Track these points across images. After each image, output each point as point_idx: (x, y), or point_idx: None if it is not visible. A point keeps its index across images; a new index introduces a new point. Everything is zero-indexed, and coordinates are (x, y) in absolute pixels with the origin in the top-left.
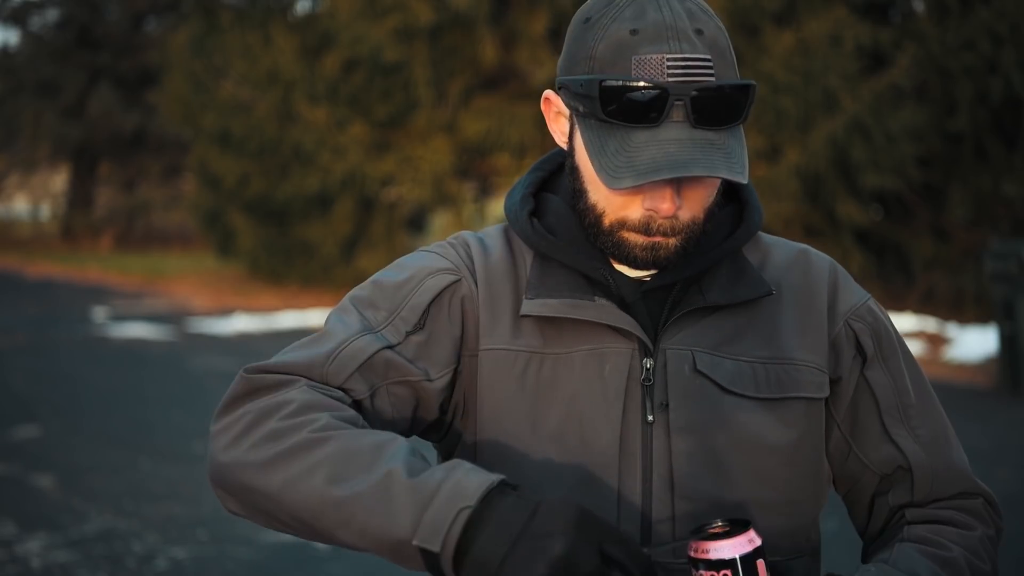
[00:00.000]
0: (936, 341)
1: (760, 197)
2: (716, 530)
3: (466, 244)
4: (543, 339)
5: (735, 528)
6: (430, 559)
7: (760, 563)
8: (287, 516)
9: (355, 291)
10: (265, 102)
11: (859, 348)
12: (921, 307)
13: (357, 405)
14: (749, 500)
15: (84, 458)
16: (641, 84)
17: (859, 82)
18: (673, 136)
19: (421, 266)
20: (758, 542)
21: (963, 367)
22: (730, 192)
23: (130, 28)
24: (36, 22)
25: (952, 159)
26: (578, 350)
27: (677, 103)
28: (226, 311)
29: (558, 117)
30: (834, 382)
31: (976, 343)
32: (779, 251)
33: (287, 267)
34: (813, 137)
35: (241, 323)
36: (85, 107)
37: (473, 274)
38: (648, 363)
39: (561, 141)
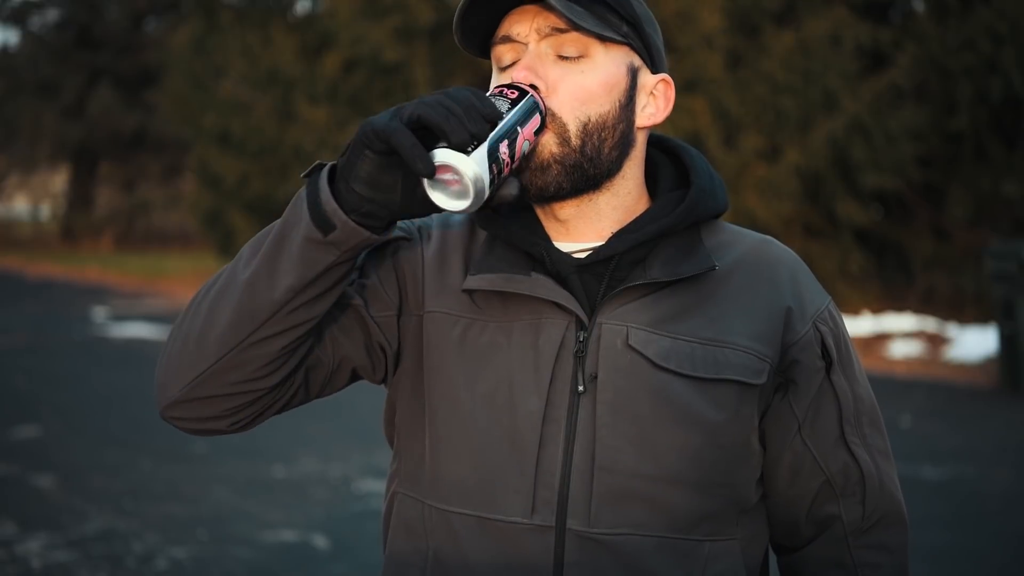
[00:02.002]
0: (936, 341)
1: (760, 197)
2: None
3: (429, 216)
4: (485, 309)
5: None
6: (312, 186)
7: (536, 119)
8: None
9: None
10: (265, 102)
11: (824, 351)
12: (921, 307)
13: None
14: (671, 476)
15: (84, 458)
16: None
17: (859, 82)
18: None
19: None
20: (544, 112)
21: (963, 367)
22: (685, 180)
23: (130, 28)
24: (36, 22)
25: (952, 159)
26: (517, 320)
27: None
28: None
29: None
30: (792, 382)
31: (976, 343)
32: (739, 238)
33: None
34: (813, 137)
35: None
36: (85, 107)
37: (423, 240)
38: (582, 335)
39: None
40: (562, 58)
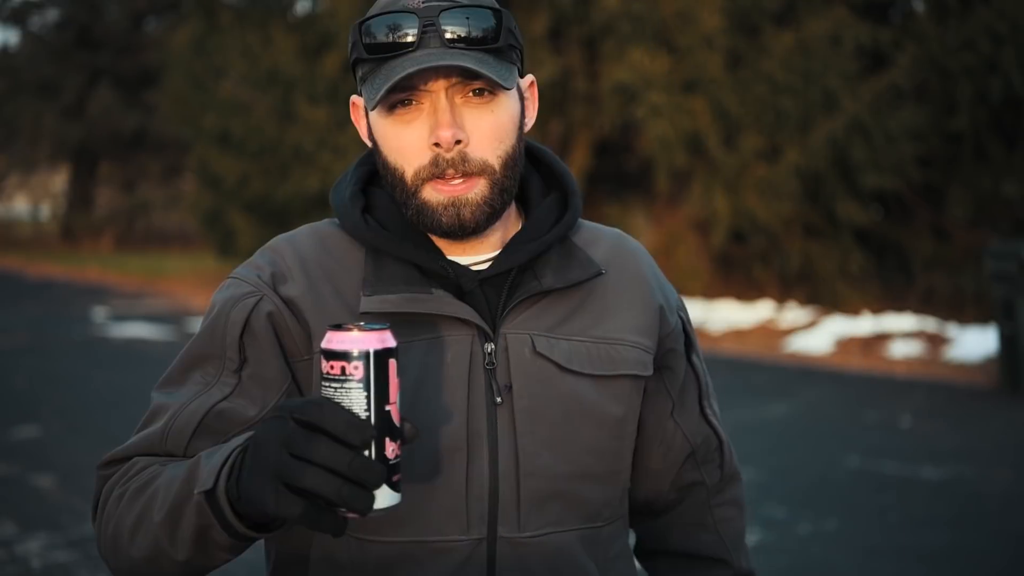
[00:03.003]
0: (936, 341)
1: (760, 197)
2: (351, 327)
3: (276, 252)
4: None
5: (370, 326)
6: (213, 502)
7: (392, 363)
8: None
9: (183, 352)
10: (265, 102)
11: (687, 336)
12: (921, 307)
13: None
14: (582, 472)
15: (84, 458)
16: (392, 10)
17: (859, 82)
18: (427, 53)
19: (225, 299)
20: (392, 344)
21: (963, 367)
22: (553, 183)
23: (130, 28)
24: (36, 22)
25: (952, 159)
26: (419, 339)
27: (428, 28)
28: None
29: (360, 117)
30: (668, 368)
31: (976, 343)
32: (599, 235)
33: None
34: (813, 137)
35: None
36: (85, 107)
37: (277, 287)
38: (489, 348)
39: (365, 137)
40: (471, 97)
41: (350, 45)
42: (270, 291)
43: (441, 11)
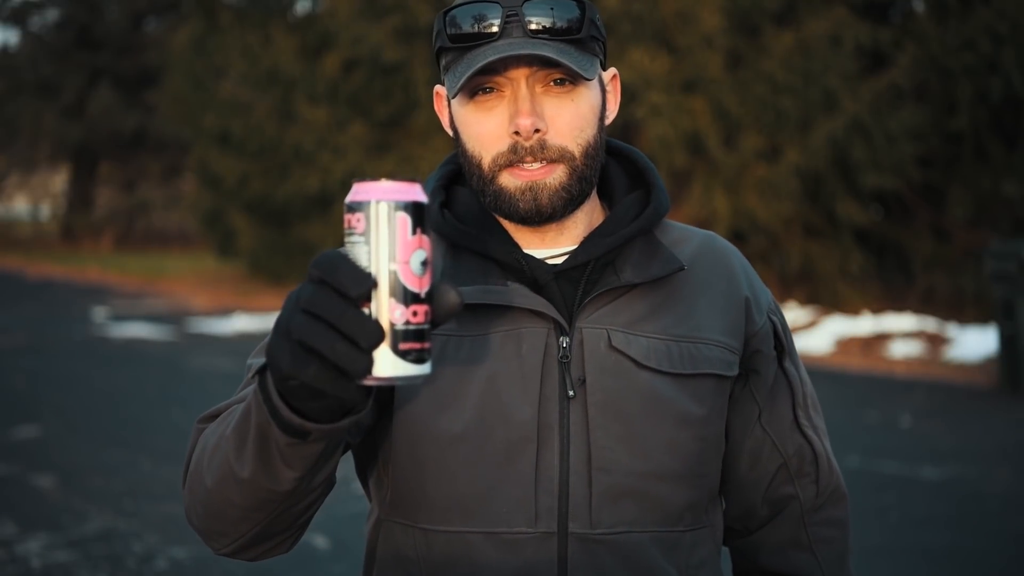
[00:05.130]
0: (936, 341)
1: (760, 197)
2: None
3: None
4: (459, 324)
5: (393, 179)
6: (263, 382)
7: (402, 217)
8: (231, 505)
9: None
10: (265, 102)
11: (777, 340)
12: (921, 307)
13: None
14: (660, 471)
15: (84, 458)
16: (476, 0)
17: (859, 82)
18: (509, 42)
19: None
20: (406, 198)
21: (963, 367)
22: (638, 180)
23: (130, 28)
24: (36, 22)
25: (952, 159)
26: (495, 332)
27: (511, 18)
28: (226, 311)
29: (443, 107)
30: (754, 371)
31: (976, 343)
32: (688, 235)
33: (287, 267)
34: (813, 137)
35: (241, 323)
36: (85, 107)
37: None
38: (564, 341)
39: (447, 126)
40: (552, 86)
41: (434, 34)
42: None
43: (525, 1)
